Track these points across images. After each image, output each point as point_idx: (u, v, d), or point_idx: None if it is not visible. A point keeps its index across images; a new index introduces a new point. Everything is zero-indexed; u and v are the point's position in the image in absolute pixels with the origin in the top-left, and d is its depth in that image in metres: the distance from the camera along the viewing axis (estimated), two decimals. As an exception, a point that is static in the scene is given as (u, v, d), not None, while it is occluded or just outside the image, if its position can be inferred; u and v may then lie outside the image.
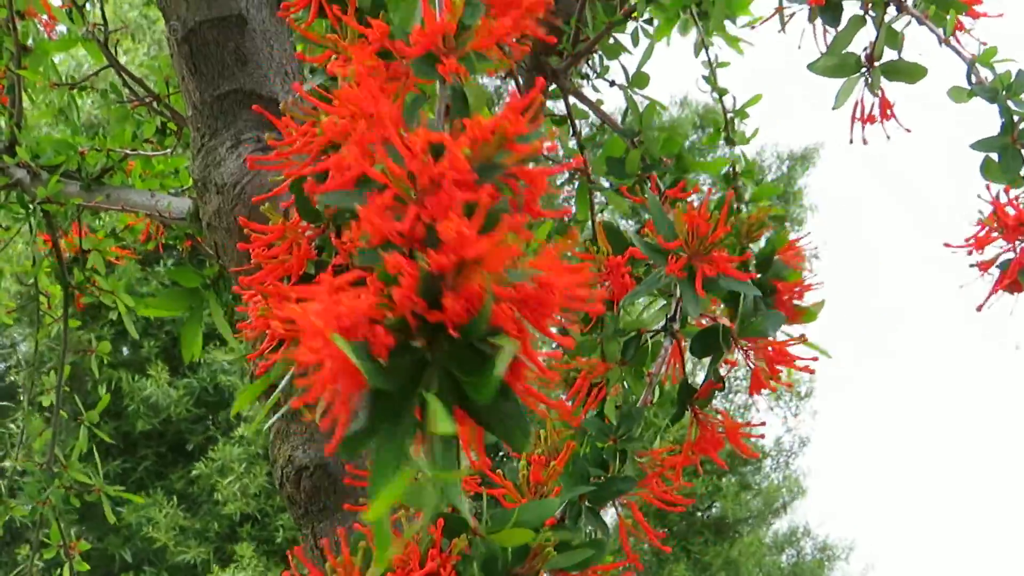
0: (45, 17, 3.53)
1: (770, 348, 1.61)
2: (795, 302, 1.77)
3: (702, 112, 14.97)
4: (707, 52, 2.75)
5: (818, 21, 1.88)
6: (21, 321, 5.91)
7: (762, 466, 13.02)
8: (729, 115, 2.80)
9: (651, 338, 1.68)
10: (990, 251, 1.83)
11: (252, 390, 1.30)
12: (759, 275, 1.79)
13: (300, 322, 0.70)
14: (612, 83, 2.40)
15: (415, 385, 0.71)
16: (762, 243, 1.83)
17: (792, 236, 1.89)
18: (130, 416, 10.01)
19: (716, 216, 1.46)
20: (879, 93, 1.84)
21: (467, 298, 0.70)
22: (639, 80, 2.34)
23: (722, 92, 2.82)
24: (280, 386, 1.28)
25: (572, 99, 2.37)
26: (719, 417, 1.61)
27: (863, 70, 1.86)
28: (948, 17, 1.79)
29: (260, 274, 1.25)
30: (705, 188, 3.30)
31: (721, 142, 2.86)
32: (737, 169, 2.73)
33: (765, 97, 2.92)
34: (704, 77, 2.79)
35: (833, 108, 1.84)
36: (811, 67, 1.86)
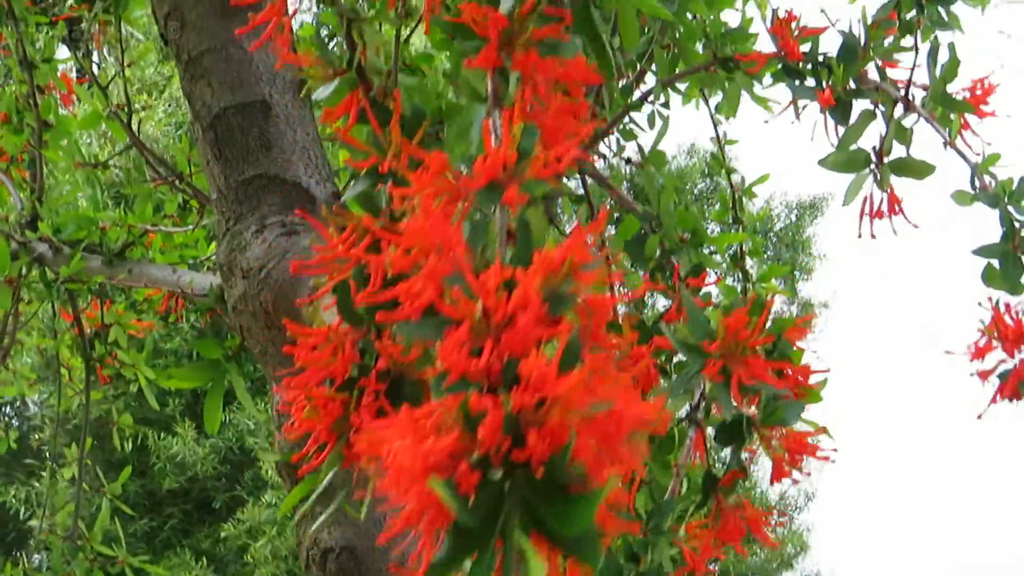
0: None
1: (791, 437, 1.63)
2: (800, 384, 1.80)
3: (710, 160, 15.03)
4: (716, 129, 2.78)
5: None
6: (45, 380, 5.95)
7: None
8: (737, 193, 2.83)
9: (675, 426, 1.70)
10: (991, 359, 1.86)
11: (296, 493, 1.33)
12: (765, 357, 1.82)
13: (386, 460, 0.72)
14: (628, 161, 2.43)
15: (496, 515, 0.74)
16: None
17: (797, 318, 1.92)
18: (156, 474, 10.02)
19: (755, 321, 1.49)
20: (888, 189, 1.86)
21: (550, 434, 0.73)
22: (655, 159, 2.36)
23: (730, 171, 2.86)
24: (320, 487, 1.30)
25: (589, 179, 2.39)
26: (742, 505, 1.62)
27: (872, 166, 1.88)
28: (953, 118, 1.82)
29: (303, 376, 1.28)
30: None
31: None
32: (745, 249, 2.76)
33: (773, 145, 2.95)
34: (712, 154, 2.82)
35: (843, 205, 1.87)
36: (822, 163, 1.89)
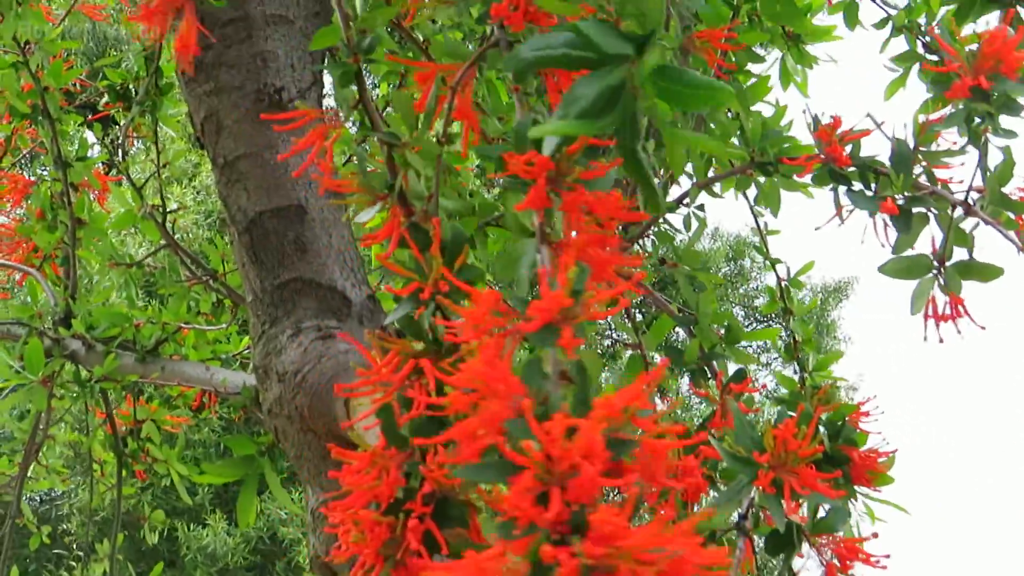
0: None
1: (841, 544, 1.61)
2: (868, 468, 1.79)
3: (734, 243, 15.06)
4: (757, 221, 2.77)
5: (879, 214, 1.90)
6: (76, 476, 5.95)
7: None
8: (784, 283, 2.81)
9: (723, 535, 1.67)
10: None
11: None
12: (831, 444, 1.81)
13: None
14: (663, 262, 2.41)
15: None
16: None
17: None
18: (187, 565, 9.97)
19: (803, 431, 1.48)
20: (951, 293, 1.84)
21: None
22: (690, 258, 2.35)
23: (775, 262, 2.84)
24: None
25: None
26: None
27: (935, 271, 1.87)
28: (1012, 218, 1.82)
29: (350, 499, 1.27)
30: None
31: (739, 264, 2.87)
32: (798, 338, 2.74)
33: (799, 229, 2.94)
34: (755, 246, 2.81)
35: (912, 313, 1.85)
36: (882, 270, 1.87)
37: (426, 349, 1.36)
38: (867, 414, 2.20)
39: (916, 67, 2.73)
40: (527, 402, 0.84)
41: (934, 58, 2.61)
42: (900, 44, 2.73)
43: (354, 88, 1.71)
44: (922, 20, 2.73)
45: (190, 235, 10.71)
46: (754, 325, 15.41)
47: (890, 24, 2.77)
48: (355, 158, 1.60)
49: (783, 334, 2.96)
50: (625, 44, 1.17)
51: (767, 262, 2.92)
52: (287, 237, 2.24)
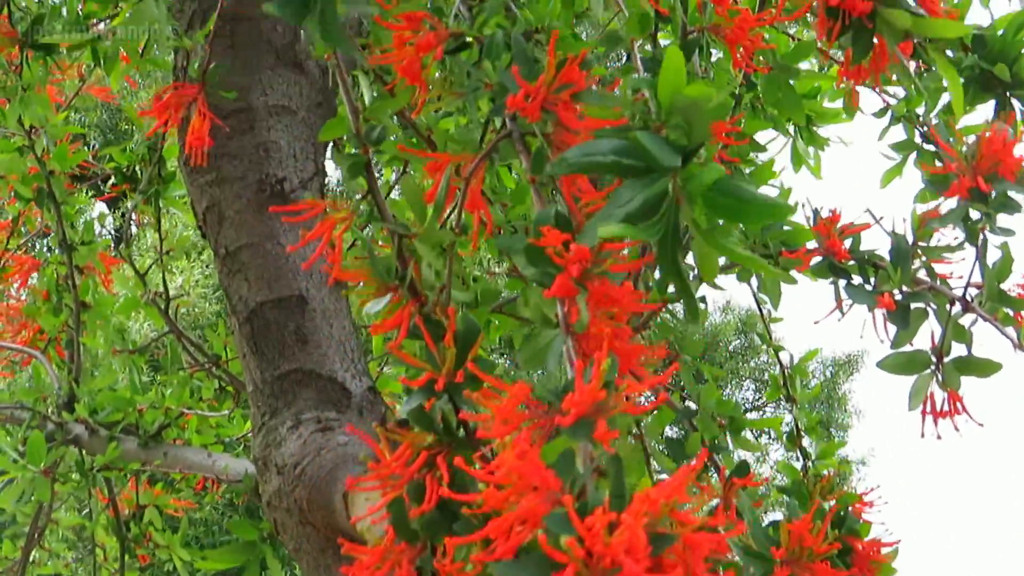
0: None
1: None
2: (871, 559, 1.79)
3: (745, 317, 15.07)
4: (760, 309, 2.77)
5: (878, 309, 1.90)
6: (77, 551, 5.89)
7: None
8: (787, 371, 2.80)
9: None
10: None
11: None
12: (834, 533, 1.80)
13: None
14: (665, 352, 2.41)
15: None
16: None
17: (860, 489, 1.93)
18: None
19: (818, 527, 1.48)
20: (956, 389, 1.84)
21: None
22: (690, 348, 2.35)
23: (778, 349, 2.83)
24: None
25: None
26: None
27: (933, 366, 1.86)
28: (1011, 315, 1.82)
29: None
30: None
31: (742, 336, 2.87)
32: (801, 427, 2.73)
33: (807, 302, 2.93)
34: (758, 334, 2.81)
35: (909, 409, 1.85)
36: (880, 365, 1.87)
37: (438, 441, 1.37)
38: (871, 504, 2.19)
39: (913, 155, 2.74)
40: (568, 497, 0.85)
41: (931, 148, 2.62)
42: (899, 132, 2.73)
43: (363, 179, 1.72)
44: (920, 110, 2.74)
45: (196, 309, 10.72)
46: (765, 400, 15.36)
47: (889, 113, 2.77)
48: (364, 248, 1.60)
49: (787, 418, 2.95)
50: (675, 155, 1.21)
51: (771, 350, 2.92)
52: (288, 328, 2.24)
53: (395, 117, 2.47)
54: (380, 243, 1.66)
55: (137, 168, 3.45)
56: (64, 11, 3.24)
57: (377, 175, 2.17)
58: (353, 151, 1.72)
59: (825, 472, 2.60)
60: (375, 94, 1.78)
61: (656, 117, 1.33)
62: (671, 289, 1.38)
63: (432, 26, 1.67)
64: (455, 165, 1.60)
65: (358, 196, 1.65)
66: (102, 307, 3.48)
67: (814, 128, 3.00)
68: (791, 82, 2.41)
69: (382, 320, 1.53)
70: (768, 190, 2.83)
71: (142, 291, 3.14)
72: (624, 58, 2.04)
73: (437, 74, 1.71)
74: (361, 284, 1.58)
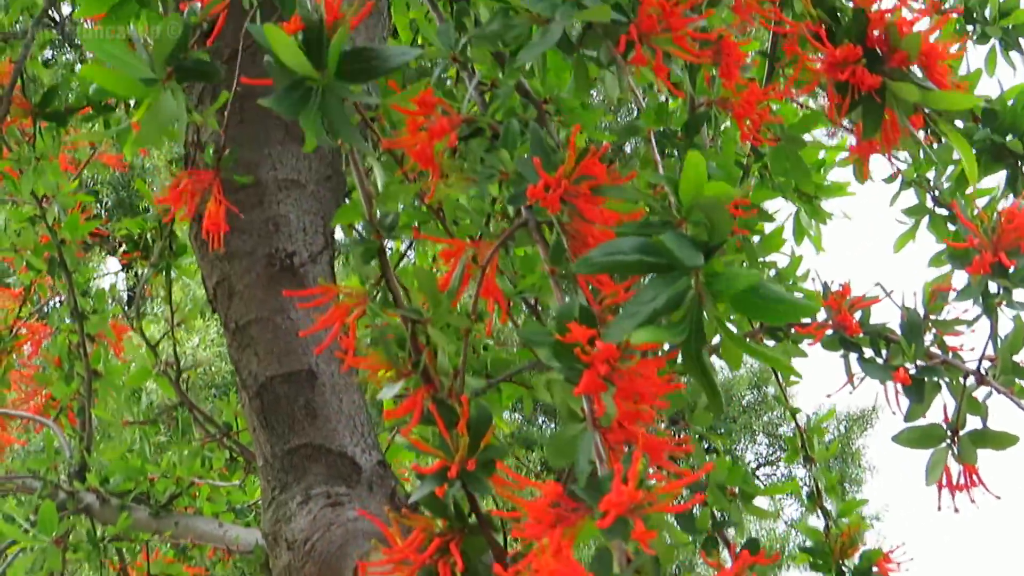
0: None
1: None
2: None
3: (758, 371, 15.03)
4: (777, 375, 2.76)
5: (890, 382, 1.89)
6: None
7: None
8: (804, 432, 2.80)
9: None
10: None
11: None
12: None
13: None
14: (673, 422, 2.40)
15: None
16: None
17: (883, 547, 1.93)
18: None
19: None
20: (972, 462, 1.83)
21: None
22: (699, 419, 2.33)
23: (794, 411, 2.83)
24: None
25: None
26: None
27: (948, 440, 1.86)
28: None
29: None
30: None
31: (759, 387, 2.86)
32: (821, 487, 2.71)
33: (824, 357, 2.93)
34: (775, 397, 2.80)
35: (927, 484, 1.84)
36: (896, 439, 1.86)
37: (451, 528, 1.37)
38: (896, 562, 2.17)
39: (926, 220, 2.74)
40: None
41: (944, 212, 2.62)
42: (910, 197, 2.73)
43: (376, 264, 1.73)
44: (930, 174, 2.75)
45: (213, 368, 10.73)
46: (778, 453, 15.33)
47: (900, 178, 2.78)
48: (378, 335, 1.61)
49: (800, 473, 2.96)
50: (697, 254, 1.23)
51: (787, 412, 2.91)
52: (297, 402, 2.24)
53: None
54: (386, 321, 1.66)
55: (149, 236, 3.46)
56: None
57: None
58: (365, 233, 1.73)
59: (845, 530, 2.58)
60: (388, 179, 1.79)
61: (677, 213, 1.35)
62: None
63: (444, 111, 1.68)
64: (471, 252, 1.60)
65: (372, 282, 1.66)
66: (113, 376, 3.48)
67: (816, 202, 3.00)
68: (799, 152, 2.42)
69: (396, 405, 1.53)
70: (779, 258, 2.83)
71: (153, 361, 3.14)
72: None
73: (449, 158, 1.72)
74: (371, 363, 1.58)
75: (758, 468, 15.93)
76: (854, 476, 14.55)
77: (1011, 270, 1.80)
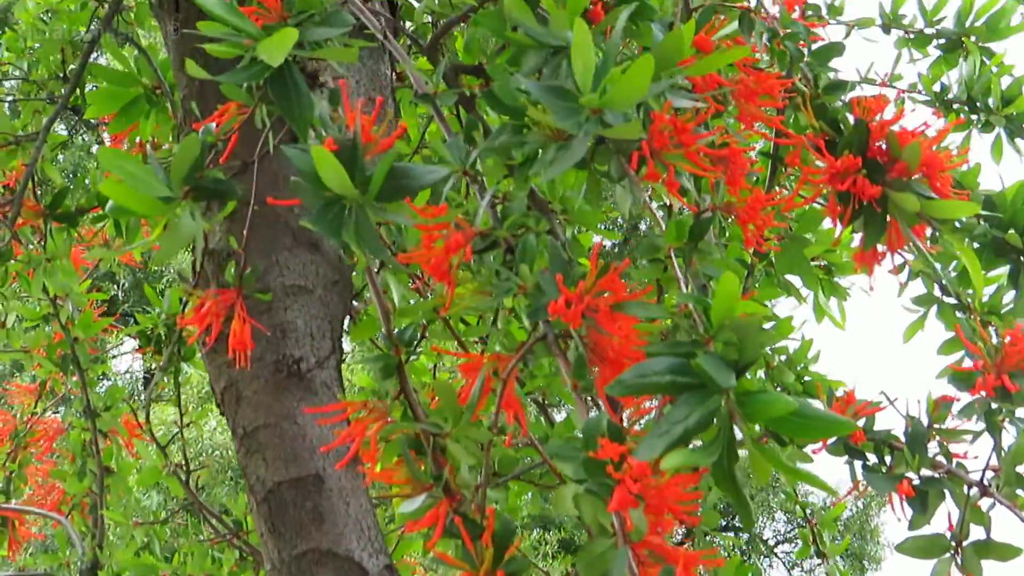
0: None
1: None
2: None
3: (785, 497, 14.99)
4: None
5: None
6: None
7: None
8: (816, 526, 2.79)
9: None
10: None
11: None
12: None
13: None
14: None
15: None
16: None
17: None
18: None
19: None
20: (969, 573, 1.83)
21: None
22: (709, 519, 2.33)
23: (805, 506, 2.82)
24: None
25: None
26: None
27: (952, 551, 1.85)
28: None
29: None
30: None
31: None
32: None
33: None
34: (784, 492, 2.80)
35: None
36: (900, 549, 1.87)
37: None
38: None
39: (935, 309, 2.75)
40: None
41: (952, 301, 2.63)
42: (918, 286, 2.74)
43: (395, 379, 1.75)
44: (938, 264, 2.75)
45: (230, 451, 10.73)
46: (796, 530, 15.20)
47: (907, 268, 2.79)
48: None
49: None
50: (729, 375, 1.27)
51: (797, 506, 2.91)
52: (305, 507, 2.24)
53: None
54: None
55: (160, 332, 3.48)
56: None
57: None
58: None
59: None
60: (404, 295, 1.81)
61: (705, 332, 1.37)
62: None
63: (458, 225, 1.70)
64: (491, 366, 1.62)
65: (391, 397, 1.67)
66: (124, 472, 3.49)
67: (833, 279, 3.01)
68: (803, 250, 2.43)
69: (417, 519, 1.54)
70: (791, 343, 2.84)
71: (163, 462, 3.15)
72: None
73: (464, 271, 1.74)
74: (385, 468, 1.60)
75: (776, 545, 15.82)
76: (872, 554, 14.44)
77: (1014, 393, 1.82)
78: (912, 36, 2.99)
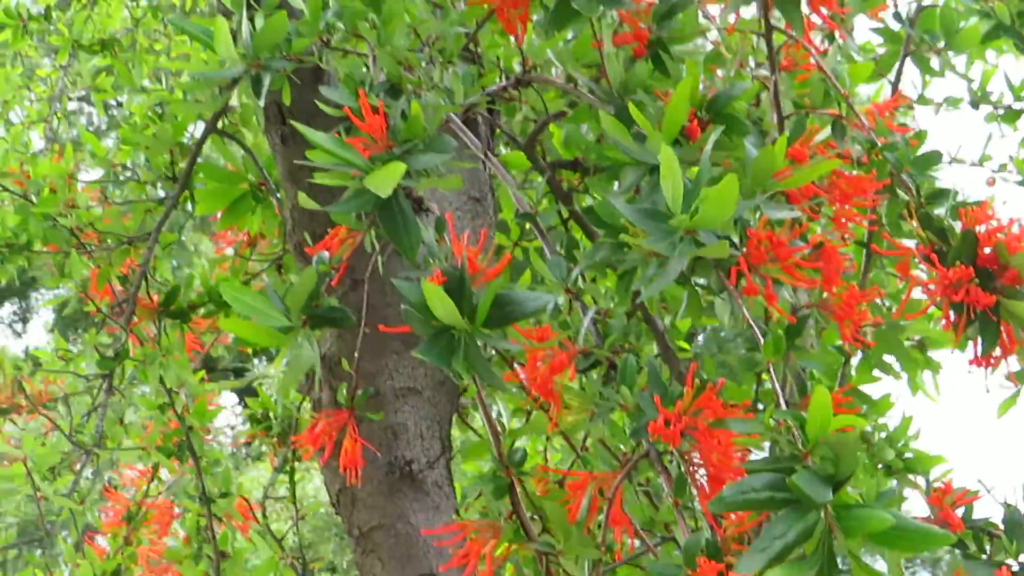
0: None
1: None
2: None
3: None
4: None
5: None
6: None
7: None
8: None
9: None
10: None
11: None
12: None
13: None
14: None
15: None
16: None
17: None
18: None
19: None
20: None
21: None
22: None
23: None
24: None
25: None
26: None
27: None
28: None
29: None
30: None
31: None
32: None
33: None
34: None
35: None
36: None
37: None
38: None
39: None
40: None
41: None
42: (1012, 362, 2.74)
43: (507, 500, 1.81)
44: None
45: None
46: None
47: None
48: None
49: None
50: (826, 490, 1.33)
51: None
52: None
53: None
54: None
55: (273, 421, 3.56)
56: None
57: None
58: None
59: None
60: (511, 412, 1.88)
61: (802, 446, 1.42)
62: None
63: (562, 344, 1.76)
64: (599, 483, 1.68)
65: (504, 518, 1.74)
66: (239, 556, 3.55)
67: (926, 353, 3.01)
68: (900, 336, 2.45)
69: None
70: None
71: (279, 554, 3.22)
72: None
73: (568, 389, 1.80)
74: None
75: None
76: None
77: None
78: (1001, 112, 2.99)
